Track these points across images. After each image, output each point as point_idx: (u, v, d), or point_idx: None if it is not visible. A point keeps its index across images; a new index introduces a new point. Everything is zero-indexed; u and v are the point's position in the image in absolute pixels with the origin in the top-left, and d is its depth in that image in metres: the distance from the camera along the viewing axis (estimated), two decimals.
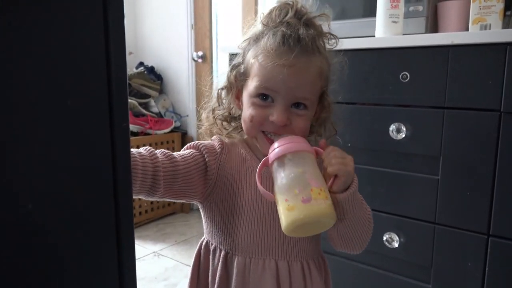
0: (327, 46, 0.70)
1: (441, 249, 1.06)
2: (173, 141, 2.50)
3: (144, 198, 0.66)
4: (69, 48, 0.34)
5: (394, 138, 1.09)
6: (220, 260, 0.71)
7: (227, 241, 0.70)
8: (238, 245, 0.70)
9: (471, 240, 1.01)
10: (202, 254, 0.75)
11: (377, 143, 1.13)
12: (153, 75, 2.61)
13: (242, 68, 0.70)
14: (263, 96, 0.66)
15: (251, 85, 0.67)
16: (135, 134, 2.33)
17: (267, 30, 0.67)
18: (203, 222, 0.76)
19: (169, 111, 2.61)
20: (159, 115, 2.55)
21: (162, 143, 2.44)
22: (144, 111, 2.42)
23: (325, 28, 0.70)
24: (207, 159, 0.69)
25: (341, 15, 1.35)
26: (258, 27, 0.70)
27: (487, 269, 0.99)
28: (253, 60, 0.67)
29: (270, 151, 0.62)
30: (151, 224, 2.34)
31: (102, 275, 0.38)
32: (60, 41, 0.33)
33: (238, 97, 0.72)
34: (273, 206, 0.68)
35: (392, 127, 1.09)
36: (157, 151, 0.66)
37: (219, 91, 0.74)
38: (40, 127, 0.32)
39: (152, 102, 2.54)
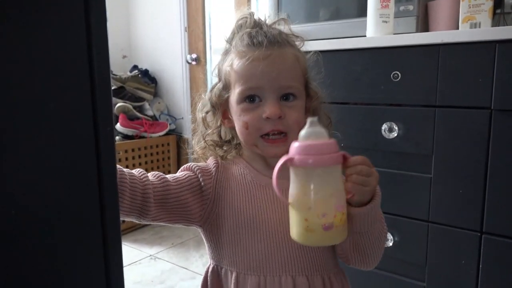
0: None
1: (435, 247, 1.06)
2: (168, 144, 2.50)
3: (136, 221, 0.64)
4: (51, 51, 0.33)
5: (387, 137, 1.09)
6: (232, 282, 0.67)
7: (237, 261, 0.67)
8: (249, 264, 0.66)
9: (464, 238, 1.02)
10: (209, 282, 0.71)
11: (370, 142, 1.14)
12: (148, 78, 2.60)
13: (221, 84, 0.69)
14: (250, 99, 0.65)
15: (235, 93, 0.66)
16: (130, 137, 2.33)
17: (233, 41, 0.68)
18: (207, 247, 0.72)
19: (164, 113, 2.61)
20: (154, 118, 2.54)
21: (157, 146, 2.43)
22: (139, 114, 2.41)
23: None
24: (201, 180, 0.68)
25: (334, 16, 1.35)
26: (224, 46, 0.71)
27: (481, 266, 1.00)
28: (229, 69, 0.67)
29: (296, 149, 0.55)
30: (148, 227, 2.33)
31: (88, 281, 0.38)
32: (41, 44, 0.33)
33: (225, 115, 0.71)
34: (283, 219, 0.65)
35: (384, 127, 1.09)
36: (149, 173, 0.65)
37: (204, 115, 0.72)
38: (22, 132, 0.32)
39: (147, 105, 2.53)
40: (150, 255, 1.99)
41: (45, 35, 0.33)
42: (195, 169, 0.69)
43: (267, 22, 0.70)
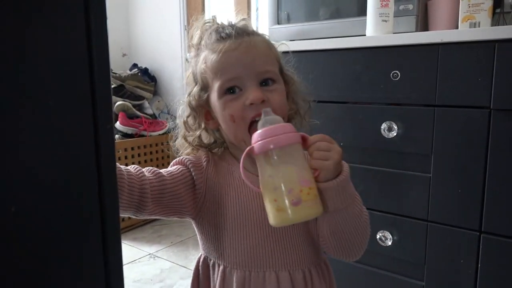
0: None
1: (434, 246, 1.07)
2: (167, 143, 2.49)
3: (133, 216, 0.65)
4: (51, 49, 0.33)
5: (386, 136, 1.09)
6: (219, 275, 0.69)
7: (224, 255, 0.69)
8: (235, 259, 0.68)
9: (463, 237, 1.02)
10: (200, 271, 0.73)
11: (369, 141, 1.14)
12: (147, 77, 2.60)
13: (198, 86, 0.69)
14: (230, 90, 0.65)
15: (214, 89, 0.66)
16: (129, 136, 2.33)
17: (201, 43, 0.69)
18: (198, 238, 0.74)
19: (163, 112, 2.61)
20: (154, 116, 2.54)
21: (156, 144, 2.43)
22: (138, 113, 2.41)
23: None
24: (193, 174, 0.69)
25: (334, 15, 1.35)
26: (191, 52, 0.72)
27: (479, 265, 1.00)
28: (203, 66, 0.67)
29: (254, 138, 0.59)
30: (147, 225, 2.33)
31: (88, 279, 0.38)
32: (41, 42, 0.33)
33: (208, 117, 0.71)
34: (267, 216, 0.65)
35: (384, 126, 1.09)
36: (144, 169, 0.66)
37: (185, 119, 0.72)
38: (21, 129, 0.32)
39: (146, 104, 2.53)
40: (150, 254, 2.00)
41: (45, 33, 0.33)
42: (188, 163, 0.69)
43: (230, 22, 0.71)
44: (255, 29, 0.72)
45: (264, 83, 0.65)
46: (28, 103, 0.32)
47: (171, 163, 0.72)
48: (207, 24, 0.71)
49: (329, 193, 0.60)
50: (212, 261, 0.71)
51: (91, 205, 0.37)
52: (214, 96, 0.67)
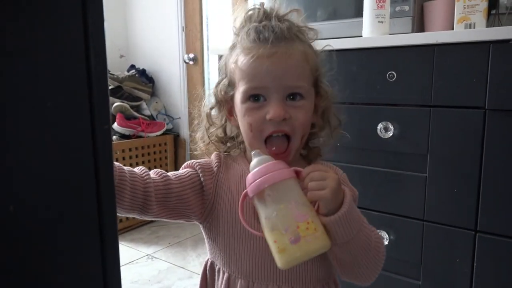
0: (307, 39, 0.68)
1: (430, 246, 1.07)
2: (165, 144, 2.50)
3: (138, 217, 0.64)
4: (48, 50, 0.34)
5: (382, 136, 1.10)
6: (223, 282, 0.68)
7: (229, 263, 0.67)
8: (240, 268, 0.66)
9: (459, 237, 1.02)
10: (208, 275, 0.72)
11: (366, 142, 1.14)
12: (145, 78, 2.60)
13: (226, 80, 0.67)
14: (254, 98, 0.63)
15: (239, 91, 0.64)
16: (127, 137, 2.33)
17: (240, 34, 0.66)
18: (206, 242, 0.72)
19: (161, 113, 2.61)
20: (151, 117, 2.54)
21: (154, 145, 2.43)
22: (136, 114, 2.41)
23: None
24: (202, 179, 0.67)
25: (332, 16, 1.36)
26: (232, 38, 0.68)
27: (475, 264, 1.00)
28: (233, 65, 0.65)
29: (247, 182, 0.58)
30: (145, 226, 2.33)
31: (85, 280, 0.38)
32: (38, 43, 0.33)
33: (231, 113, 0.69)
34: None
35: (380, 126, 1.10)
36: (151, 171, 0.65)
37: (209, 111, 0.71)
38: (19, 129, 0.32)
39: (144, 105, 2.53)
40: (147, 255, 2.00)
41: (43, 34, 0.33)
42: (196, 167, 0.68)
43: (278, 12, 0.66)
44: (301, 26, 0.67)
45: (292, 96, 0.62)
46: (26, 104, 0.33)
47: (182, 166, 0.70)
48: (251, 11, 0.67)
49: (334, 227, 0.57)
50: (217, 266, 0.70)
51: (89, 206, 0.38)
52: (238, 97, 0.65)
